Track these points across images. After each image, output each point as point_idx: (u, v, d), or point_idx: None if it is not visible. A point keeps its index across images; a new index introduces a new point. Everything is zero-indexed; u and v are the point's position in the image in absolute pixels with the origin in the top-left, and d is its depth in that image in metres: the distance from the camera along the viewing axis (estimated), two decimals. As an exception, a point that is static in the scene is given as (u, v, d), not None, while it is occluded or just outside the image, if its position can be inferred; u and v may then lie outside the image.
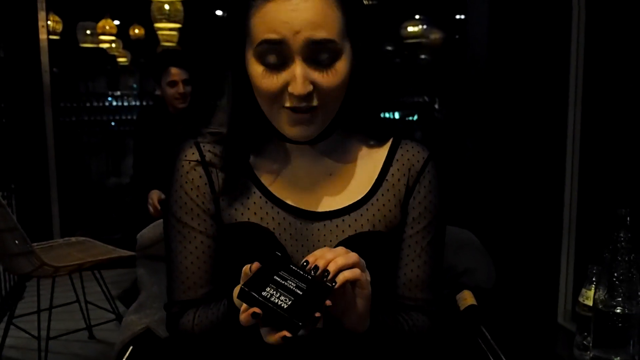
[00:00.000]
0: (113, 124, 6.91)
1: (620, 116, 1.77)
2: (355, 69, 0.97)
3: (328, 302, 0.83)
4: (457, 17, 5.86)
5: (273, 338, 0.83)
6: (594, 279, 1.51)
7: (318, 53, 0.91)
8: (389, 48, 6.62)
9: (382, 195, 1.04)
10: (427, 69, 6.16)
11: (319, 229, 1.02)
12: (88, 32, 5.67)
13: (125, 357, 1.24)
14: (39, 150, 4.48)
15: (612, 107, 1.80)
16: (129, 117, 6.83)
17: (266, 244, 1.01)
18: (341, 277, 0.84)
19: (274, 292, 0.81)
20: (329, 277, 0.84)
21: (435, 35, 5.84)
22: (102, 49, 6.05)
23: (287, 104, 0.93)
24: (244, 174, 1.05)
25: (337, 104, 0.97)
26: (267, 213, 1.02)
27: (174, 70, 3.27)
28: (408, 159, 1.06)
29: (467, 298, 1.30)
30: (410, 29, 5.69)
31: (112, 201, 5.70)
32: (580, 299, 1.55)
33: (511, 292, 1.82)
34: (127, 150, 6.65)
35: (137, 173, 3.53)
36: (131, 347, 1.25)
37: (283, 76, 0.92)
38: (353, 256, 0.87)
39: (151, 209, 3.10)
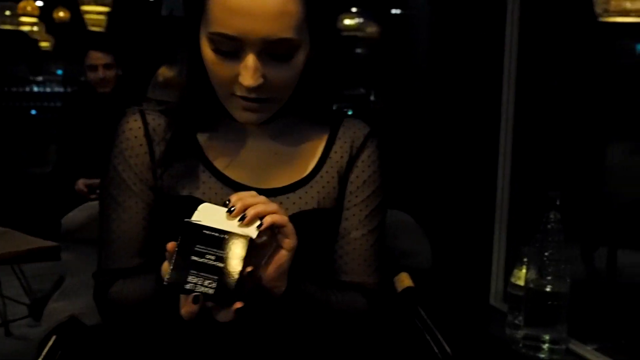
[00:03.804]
0: (34, 111, 6.61)
1: (553, 101, 1.83)
2: (311, 59, 0.96)
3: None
4: (394, 11, 5.92)
5: (225, 317, 0.82)
6: (525, 259, 1.55)
7: (274, 49, 0.90)
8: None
9: (327, 172, 1.05)
10: (363, 62, 6.20)
11: None
12: (7, 12, 5.37)
13: (48, 346, 1.17)
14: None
15: (546, 92, 1.86)
16: (51, 105, 6.54)
17: None
18: (268, 220, 0.84)
19: (197, 279, 0.79)
20: (245, 221, 0.83)
21: (372, 29, 5.88)
22: (22, 32, 5.76)
23: (238, 92, 0.92)
24: (189, 148, 1.03)
25: (289, 93, 0.97)
26: (210, 188, 1.01)
27: (94, 54, 3.09)
28: (350, 136, 1.08)
29: (404, 280, 1.31)
30: (346, 21, 5.71)
31: (32, 192, 5.45)
32: (512, 279, 1.59)
33: (445, 273, 1.85)
34: (49, 139, 6.37)
35: (61, 160, 3.38)
36: (54, 337, 1.19)
37: (235, 65, 0.90)
38: (274, 205, 0.86)
39: (81, 186, 2.97)
